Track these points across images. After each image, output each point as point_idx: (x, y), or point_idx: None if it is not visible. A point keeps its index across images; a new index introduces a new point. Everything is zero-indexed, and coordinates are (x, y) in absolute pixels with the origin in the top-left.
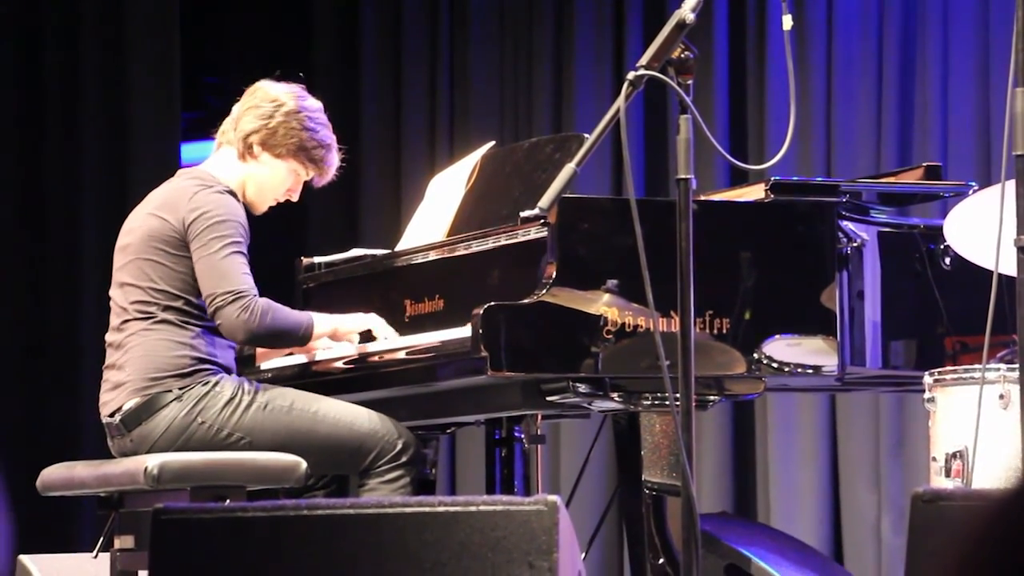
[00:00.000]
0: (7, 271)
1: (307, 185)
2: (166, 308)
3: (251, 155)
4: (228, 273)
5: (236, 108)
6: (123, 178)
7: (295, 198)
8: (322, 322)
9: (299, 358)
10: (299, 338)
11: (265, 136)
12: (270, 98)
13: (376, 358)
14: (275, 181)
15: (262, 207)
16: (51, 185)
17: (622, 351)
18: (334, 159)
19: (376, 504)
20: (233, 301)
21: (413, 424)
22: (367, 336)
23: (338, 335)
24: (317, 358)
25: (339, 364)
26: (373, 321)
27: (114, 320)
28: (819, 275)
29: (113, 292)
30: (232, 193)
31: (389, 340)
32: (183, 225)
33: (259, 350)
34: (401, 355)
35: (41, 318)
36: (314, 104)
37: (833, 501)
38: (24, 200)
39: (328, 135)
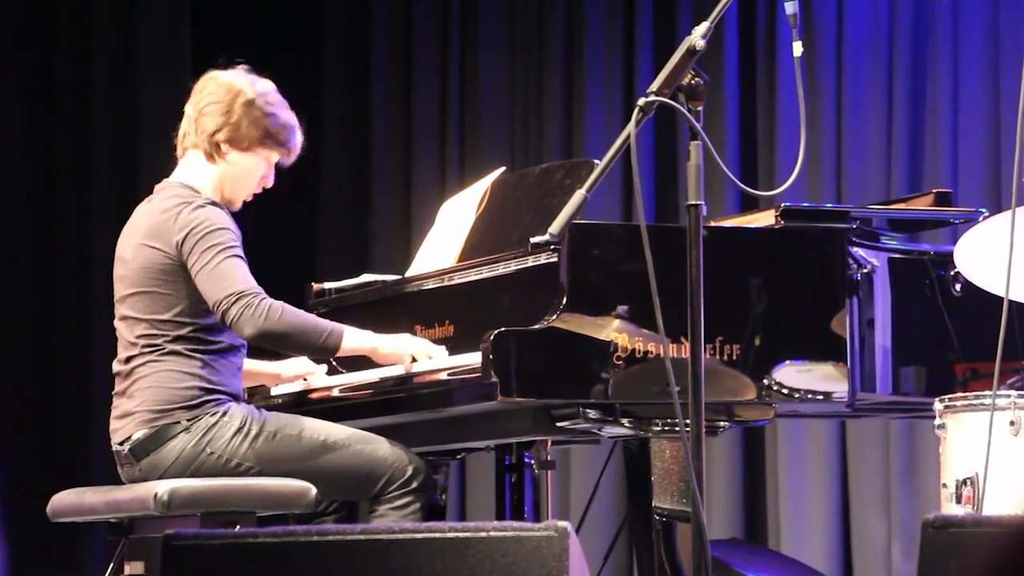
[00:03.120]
0: (17, 292)
1: (317, 212)
2: (174, 339)
3: (219, 154)
4: (228, 276)
5: (189, 107)
6: (134, 197)
7: (270, 184)
8: (360, 337)
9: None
10: (319, 345)
11: (229, 132)
12: (224, 89)
13: (385, 384)
14: (248, 174)
15: (238, 203)
16: (61, 203)
17: (632, 377)
18: (299, 138)
19: (386, 530)
20: (236, 300)
21: (423, 450)
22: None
23: (379, 354)
24: (325, 384)
25: (348, 391)
26: (418, 345)
27: (121, 352)
28: (829, 301)
29: (117, 324)
30: (215, 203)
31: (434, 360)
32: (176, 249)
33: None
34: (411, 381)
35: (52, 343)
36: (267, 86)
37: (843, 527)
38: (34, 216)
39: (288, 114)
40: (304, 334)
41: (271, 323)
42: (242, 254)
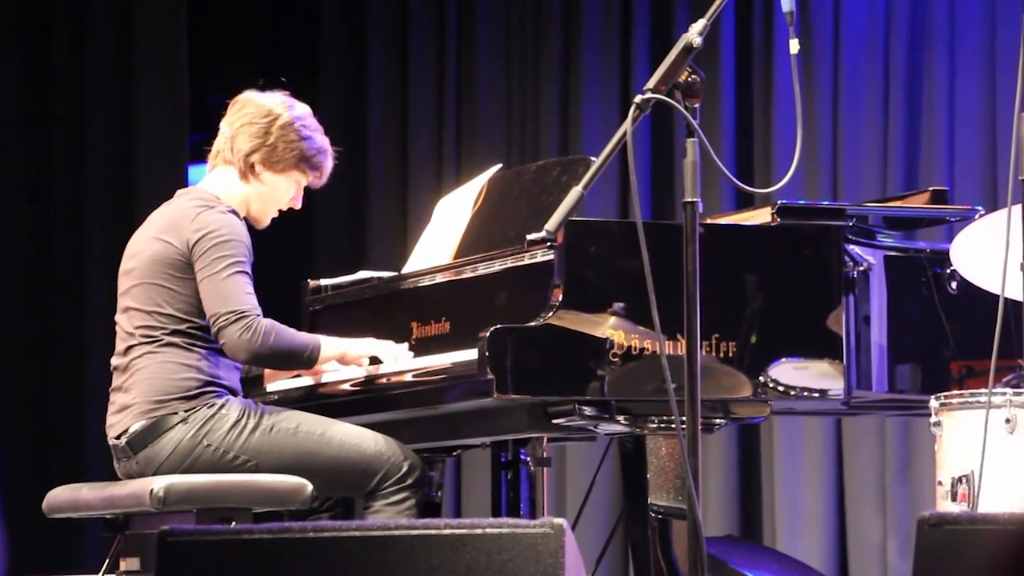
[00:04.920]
0: (16, 293)
1: (313, 209)
2: (172, 332)
3: (253, 174)
4: (231, 293)
5: (225, 125)
6: (130, 202)
7: (298, 205)
8: (330, 345)
9: (306, 380)
10: (304, 360)
11: (266, 154)
12: (262, 112)
13: (382, 381)
14: (279, 195)
15: (266, 221)
16: (58, 207)
17: (628, 374)
18: (330, 161)
19: (382, 527)
20: (235, 321)
21: (419, 447)
22: (376, 359)
23: (347, 359)
24: (323, 380)
25: (345, 386)
26: (382, 346)
27: (119, 345)
28: (825, 299)
29: (118, 317)
30: (235, 212)
31: (399, 362)
32: (187, 247)
33: (267, 372)
34: (407, 377)
35: (48, 342)
36: (304, 110)
37: (839, 525)
38: (31, 222)
39: (323, 139)
40: (291, 353)
41: (265, 348)
42: (249, 271)
